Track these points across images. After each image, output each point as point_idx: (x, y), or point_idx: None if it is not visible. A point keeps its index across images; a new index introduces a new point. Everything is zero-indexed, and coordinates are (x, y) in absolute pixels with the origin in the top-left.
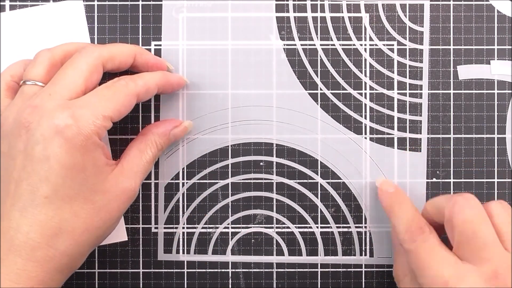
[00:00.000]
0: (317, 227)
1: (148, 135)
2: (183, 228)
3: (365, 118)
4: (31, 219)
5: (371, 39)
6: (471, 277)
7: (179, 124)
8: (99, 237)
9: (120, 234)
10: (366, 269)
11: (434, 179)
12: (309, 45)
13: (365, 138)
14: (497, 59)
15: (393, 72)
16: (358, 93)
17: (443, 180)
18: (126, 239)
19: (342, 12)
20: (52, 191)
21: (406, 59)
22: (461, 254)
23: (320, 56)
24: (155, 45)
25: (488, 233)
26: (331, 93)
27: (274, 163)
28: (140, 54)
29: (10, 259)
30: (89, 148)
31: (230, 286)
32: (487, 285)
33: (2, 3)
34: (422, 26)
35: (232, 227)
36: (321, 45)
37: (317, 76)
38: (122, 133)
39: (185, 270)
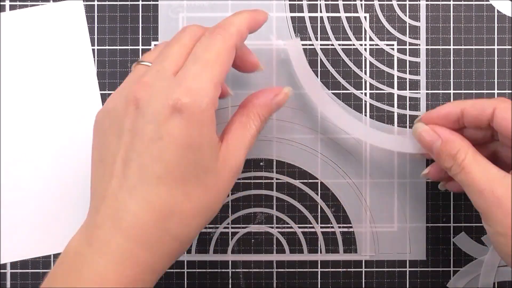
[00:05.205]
0: (318, 227)
1: (249, 107)
2: None
3: (366, 117)
4: (141, 199)
5: (371, 39)
6: None
7: (279, 92)
8: (208, 219)
9: None
10: (366, 269)
11: None
12: (309, 45)
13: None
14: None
15: (393, 72)
16: (359, 92)
17: None
18: None
19: (341, 12)
20: (165, 171)
21: (406, 58)
22: None
23: (320, 56)
24: (155, 45)
25: None
26: (332, 93)
27: (274, 163)
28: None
29: (117, 242)
30: (206, 124)
31: (230, 286)
32: None
33: (2, 3)
34: (422, 26)
35: (232, 227)
36: (320, 45)
37: (317, 76)
38: None
39: (185, 270)
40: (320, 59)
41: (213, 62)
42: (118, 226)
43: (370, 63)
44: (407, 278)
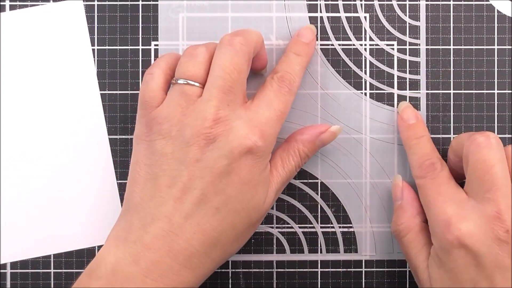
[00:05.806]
0: (318, 227)
1: (291, 143)
2: None
3: (366, 117)
4: (196, 227)
5: (371, 39)
6: (473, 216)
7: (325, 130)
8: (241, 246)
9: None
10: (366, 269)
11: None
12: None
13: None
14: (497, 59)
15: (393, 72)
16: (359, 92)
17: None
18: None
19: (341, 12)
20: (224, 203)
21: (406, 58)
22: (469, 191)
23: (320, 56)
24: (155, 45)
25: (500, 175)
26: (332, 92)
27: None
28: (262, 43)
29: (167, 263)
30: (267, 165)
31: (230, 286)
32: (488, 226)
33: (2, 3)
34: (422, 26)
35: None
36: (320, 45)
37: (317, 77)
38: (122, 133)
39: None
40: (320, 59)
41: (283, 114)
42: (169, 248)
43: (370, 63)
44: (407, 278)
